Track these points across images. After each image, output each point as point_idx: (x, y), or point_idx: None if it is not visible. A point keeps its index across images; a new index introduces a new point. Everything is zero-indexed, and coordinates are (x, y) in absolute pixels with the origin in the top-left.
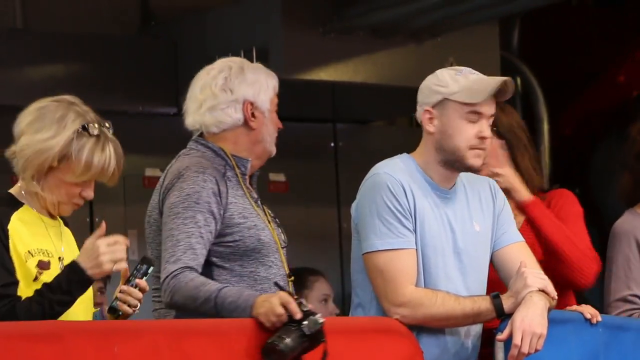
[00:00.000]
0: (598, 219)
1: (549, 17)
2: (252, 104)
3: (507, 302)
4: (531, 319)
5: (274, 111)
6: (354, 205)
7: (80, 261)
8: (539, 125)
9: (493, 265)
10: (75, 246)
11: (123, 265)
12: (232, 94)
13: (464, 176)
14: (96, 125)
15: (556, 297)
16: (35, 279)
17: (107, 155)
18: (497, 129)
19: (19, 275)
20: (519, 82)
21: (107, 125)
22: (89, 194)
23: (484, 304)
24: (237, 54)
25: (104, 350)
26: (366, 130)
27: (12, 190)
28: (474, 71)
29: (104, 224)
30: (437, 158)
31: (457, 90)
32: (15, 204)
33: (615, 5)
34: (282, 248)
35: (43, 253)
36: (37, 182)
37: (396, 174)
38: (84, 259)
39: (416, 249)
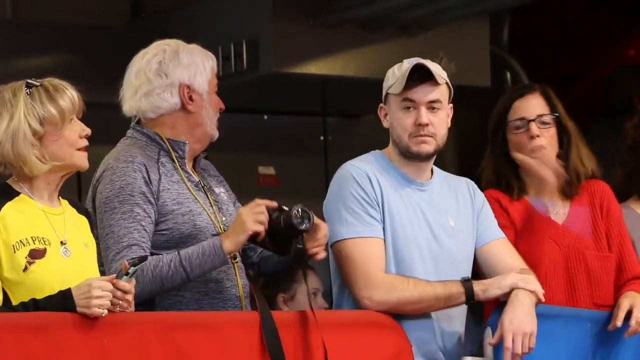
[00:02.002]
0: None
1: (539, 12)
2: (188, 87)
3: (477, 286)
4: (520, 319)
5: (214, 92)
6: (325, 204)
7: (75, 293)
8: None
9: (477, 263)
10: (88, 231)
11: (104, 314)
12: (167, 78)
13: (442, 174)
14: (36, 81)
15: (542, 293)
16: (25, 269)
17: (66, 92)
18: (556, 117)
19: (7, 267)
20: (509, 77)
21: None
22: (85, 130)
23: (455, 287)
24: (226, 48)
25: (93, 343)
26: (356, 123)
27: (10, 181)
28: (414, 60)
29: (113, 276)
30: (397, 150)
31: (392, 82)
32: (11, 194)
33: (606, 1)
34: (224, 230)
35: (39, 241)
36: (44, 163)
37: (361, 166)
38: (78, 292)
39: (385, 239)
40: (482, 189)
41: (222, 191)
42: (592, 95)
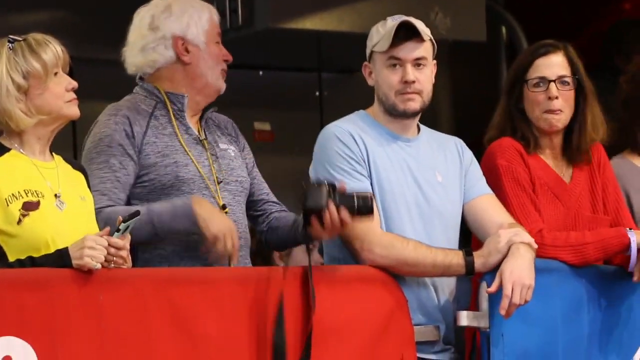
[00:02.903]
0: None
1: None
2: (182, 38)
3: (478, 260)
4: (520, 270)
5: (214, 43)
6: (310, 169)
7: (70, 249)
8: None
9: (465, 219)
10: (84, 185)
11: (97, 267)
12: (159, 31)
13: (429, 131)
14: (19, 36)
15: (536, 248)
16: (19, 221)
17: (49, 46)
18: (576, 79)
19: (0, 220)
20: (504, 32)
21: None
22: (71, 83)
23: (456, 258)
24: (221, 3)
25: (89, 299)
26: (351, 79)
27: (1, 137)
28: (399, 17)
29: (107, 229)
30: (382, 109)
31: (377, 40)
32: (1, 150)
33: None
34: (219, 183)
35: (32, 194)
36: (30, 117)
37: (344, 125)
38: (73, 248)
39: (374, 195)
40: (491, 141)
41: (230, 148)
42: (590, 50)
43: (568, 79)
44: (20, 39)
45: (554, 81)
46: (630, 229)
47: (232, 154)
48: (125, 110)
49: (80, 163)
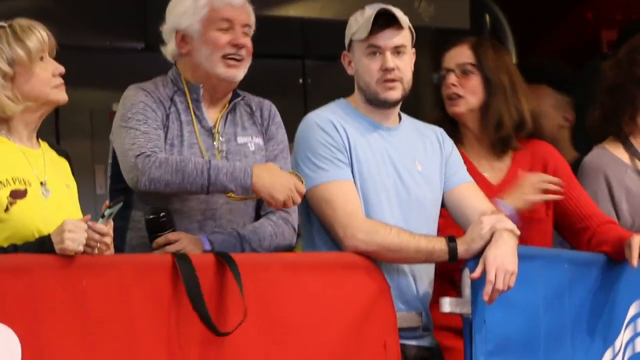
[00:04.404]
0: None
1: None
2: (179, 30)
3: (461, 247)
4: (503, 256)
5: (215, 29)
6: (291, 159)
7: (52, 235)
8: None
9: (446, 207)
10: (68, 172)
11: (79, 249)
12: (167, 25)
13: (410, 120)
14: (4, 22)
15: (519, 235)
16: (7, 209)
17: (34, 31)
18: (480, 67)
19: None
20: (488, 20)
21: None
22: (58, 68)
23: (439, 244)
24: None
25: (72, 284)
26: (335, 66)
27: None
28: (377, 6)
29: (88, 216)
30: (362, 98)
31: (356, 29)
32: None
33: None
34: None
35: (19, 182)
36: (17, 103)
37: (324, 114)
38: (54, 233)
39: (355, 183)
40: None
41: (251, 142)
42: (574, 38)
43: (469, 67)
44: (5, 25)
45: (453, 70)
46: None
47: (252, 149)
48: (148, 91)
49: (64, 149)
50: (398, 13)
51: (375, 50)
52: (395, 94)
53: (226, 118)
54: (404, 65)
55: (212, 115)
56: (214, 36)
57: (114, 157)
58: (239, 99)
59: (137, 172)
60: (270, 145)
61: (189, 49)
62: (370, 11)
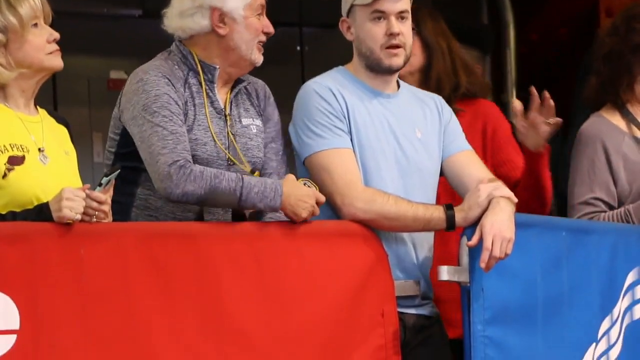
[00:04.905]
0: (563, 124)
1: None
2: (219, 10)
3: (458, 215)
4: (500, 223)
5: (254, 16)
6: (290, 126)
7: (50, 203)
8: (504, 29)
9: (444, 175)
10: (67, 140)
11: (77, 217)
12: (195, 1)
13: (409, 87)
14: None
15: (516, 202)
16: (4, 175)
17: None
18: (419, 31)
19: None
20: None
21: None
22: (53, 34)
23: (436, 212)
24: None
25: (70, 252)
26: (333, 34)
27: None
28: None
29: (87, 186)
30: (363, 64)
31: None
32: None
33: None
34: (230, 165)
35: (17, 148)
36: (10, 70)
37: (323, 81)
38: (52, 201)
39: (354, 151)
40: None
41: (253, 123)
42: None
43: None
44: None
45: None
46: None
47: (254, 131)
48: (168, 77)
49: (64, 117)
50: None
51: (380, 15)
52: (399, 60)
53: (232, 99)
54: (407, 31)
55: (221, 96)
56: (254, 22)
57: (124, 133)
58: (245, 82)
59: (170, 184)
60: (268, 127)
61: (227, 31)
62: None
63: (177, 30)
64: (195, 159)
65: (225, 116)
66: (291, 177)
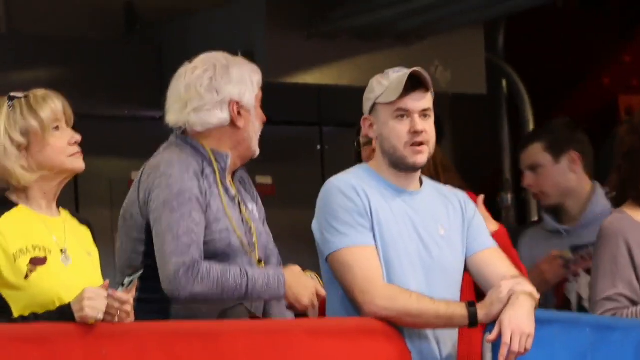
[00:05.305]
0: None
1: (535, 18)
2: (238, 103)
3: (480, 311)
4: (519, 319)
5: (259, 107)
6: (314, 223)
7: (72, 303)
8: (524, 127)
9: (469, 273)
10: (90, 240)
11: (99, 317)
12: (218, 94)
13: (432, 183)
14: (19, 93)
15: (538, 298)
16: (26, 276)
17: (48, 102)
18: None
19: (8, 275)
20: (505, 85)
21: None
22: (74, 136)
23: (459, 309)
24: None
25: (92, 354)
26: (352, 132)
27: (8, 193)
28: (400, 69)
29: (107, 282)
30: (386, 161)
31: (380, 92)
32: (8, 205)
33: (601, 8)
34: (252, 252)
35: (39, 249)
36: (31, 173)
37: (346, 179)
38: (74, 301)
39: (377, 248)
40: None
41: (254, 208)
42: (591, 100)
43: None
44: (21, 95)
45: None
46: None
47: (257, 215)
48: (193, 168)
49: (86, 217)
50: (427, 76)
51: (403, 114)
52: (423, 157)
53: (237, 187)
54: (430, 129)
55: (231, 186)
56: (261, 112)
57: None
58: (240, 170)
59: (178, 286)
60: (259, 210)
61: (243, 122)
62: (397, 74)
63: (194, 126)
64: (231, 248)
65: (239, 203)
66: (294, 269)
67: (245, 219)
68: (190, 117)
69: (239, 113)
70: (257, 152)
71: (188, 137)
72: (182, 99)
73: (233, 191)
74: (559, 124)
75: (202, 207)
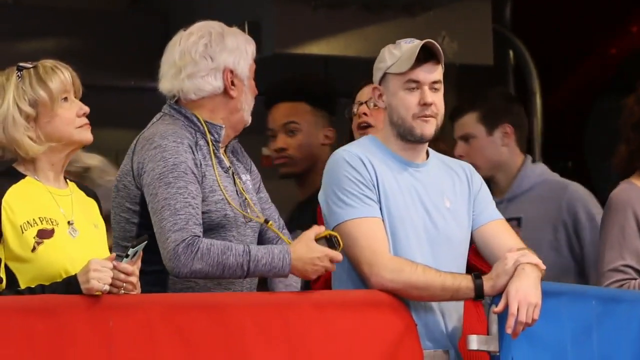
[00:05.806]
0: (592, 191)
1: None
2: (232, 71)
3: (486, 283)
4: (525, 289)
5: (252, 78)
6: (320, 194)
7: (78, 275)
8: (531, 98)
9: (476, 245)
10: (97, 213)
11: (105, 288)
12: (212, 61)
13: (438, 155)
14: (28, 64)
15: (544, 269)
16: (34, 249)
17: (57, 72)
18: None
19: (15, 247)
20: (512, 55)
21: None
22: (82, 108)
23: (465, 281)
24: None
25: (99, 325)
26: None
27: (15, 164)
28: (411, 40)
29: (113, 255)
30: (394, 132)
31: (392, 62)
32: (16, 177)
33: None
34: (247, 222)
35: (47, 221)
36: (40, 144)
37: (353, 150)
38: (80, 273)
39: (383, 220)
40: None
41: (247, 179)
42: (596, 73)
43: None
44: (30, 66)
45: (365, 102)
46: None
47: (250, 186)
48: (187, 140)
49: (93, 190)
50: (439, 48)
51: (414, 85)
52: (431, 129)
53: (230, 158)
54: (439, 101)
55: (224, 157)
56: (253, 84)
57: (144, 201)
58: (233, 141)
59: (178, 263)
60: (253, 179)
61: (237, 92)
62: (409, 45)
63: (188, 93)
64: (227, 219)
65: (232, 175)
66: (306, 236)
67: (239, 190)
68: (184, 84)
69: (232, 83)
70: (249, 121)
71: (182, 107)
72: (176, 65)
73: (227, 163)
74: (495, 94)
75: (198, 179)
